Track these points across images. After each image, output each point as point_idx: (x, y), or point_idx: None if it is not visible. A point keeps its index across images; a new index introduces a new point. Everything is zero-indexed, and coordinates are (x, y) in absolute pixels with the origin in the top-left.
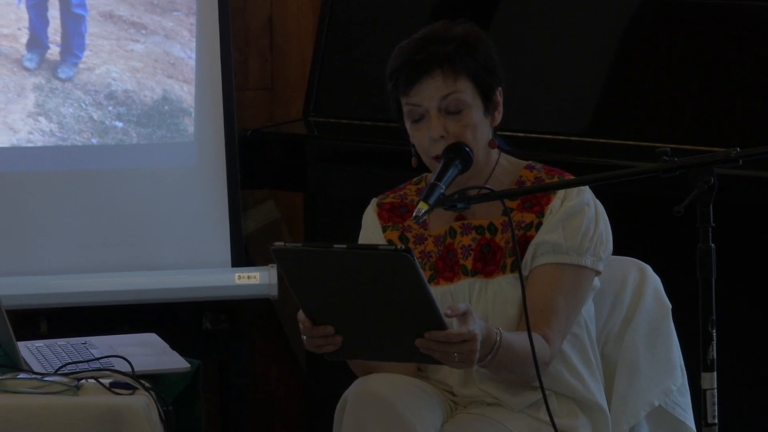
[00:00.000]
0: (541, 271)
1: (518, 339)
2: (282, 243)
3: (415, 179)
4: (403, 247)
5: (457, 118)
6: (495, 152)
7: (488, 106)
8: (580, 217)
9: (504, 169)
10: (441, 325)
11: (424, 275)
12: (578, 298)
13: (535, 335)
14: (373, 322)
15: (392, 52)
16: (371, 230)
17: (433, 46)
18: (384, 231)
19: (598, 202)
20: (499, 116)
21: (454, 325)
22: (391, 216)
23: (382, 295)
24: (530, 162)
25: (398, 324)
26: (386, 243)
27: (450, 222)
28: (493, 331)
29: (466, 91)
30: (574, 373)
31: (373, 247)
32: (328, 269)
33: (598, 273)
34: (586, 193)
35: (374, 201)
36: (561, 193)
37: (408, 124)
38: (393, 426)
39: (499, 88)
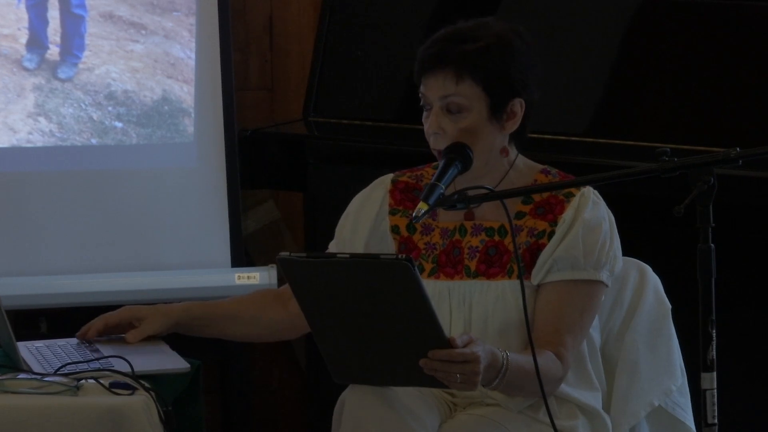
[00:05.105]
0: (558, 287)
1: (528, 360)
2: (287, 253)
3: (434, 163)
4: (404, 256)
5: (455, 120)
6: (513, 154)
7: (496, 114)
8: (597, 231)
9: (519, 171)
10: (441, 337)
11: (426, 287)
12: (592, 313)
13: (547, 353)
14: (376, 336)
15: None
16: (374, 208)
17: (448, 43)
18: (393, 214)
19: (610, 212)
20: (512, 126)
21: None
22: (403, 199)
23: (384, 305)
24: (546, 167)
25: (401, 339)
26: (390, 226)
27: (462, 219)
28: (498, 355)
29: (469, 96)
30: (571, 385)
31: (374, 257)
32: (332, 280)
33: (606, 286)
34: (601, 206)
35: (390, 176)
36: (575, 202)
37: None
38: (390, 427)
39: (519, 100)
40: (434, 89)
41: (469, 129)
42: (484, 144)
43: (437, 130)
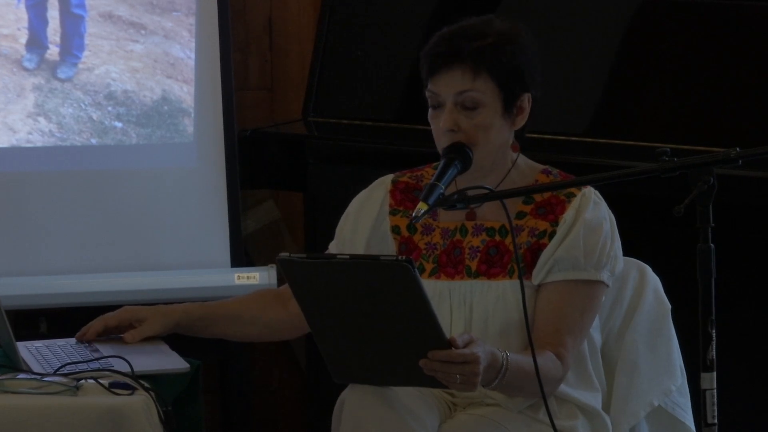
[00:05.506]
0: (559, 287)
1: (528, 360)
2: (287, 254)
3: (435, 164)
4: (404, 257)
5: (471, 116)
6: (514, 153)
7: (509, 109)
8: (598, 231)
9: (521, 171)
10: (441, 338)
11: (425, 288)
12: (592, 313)
13: (547, 353)
14: (376, 337)
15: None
16: (375, 208)
17: (461, 40)
18: (393, 214)
19: (610, 212)
20: (521, 121)
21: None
22: (404, 199)
23: (384, 306)
24: (547, 167)
25: (401, 340)
26: (391, 226)
27: (463, 219)
28: (498, 356)
29: (485, 91)
30: (571, 385)
31: (374, 258)
32: (332, 280)
33: (607, 287)
34: (602, 206)
35: (390, 177)
36: (576, 202)
37: (430, 109)
38: (390, 427)
39: (528, 95)
40: (448, 86)
41: (484, 124)
42: (496, 139)
43: (453, 127)
